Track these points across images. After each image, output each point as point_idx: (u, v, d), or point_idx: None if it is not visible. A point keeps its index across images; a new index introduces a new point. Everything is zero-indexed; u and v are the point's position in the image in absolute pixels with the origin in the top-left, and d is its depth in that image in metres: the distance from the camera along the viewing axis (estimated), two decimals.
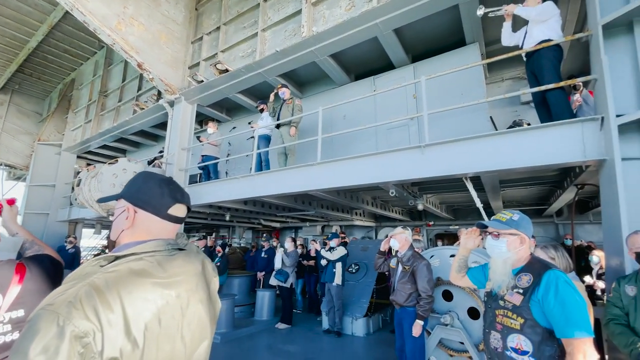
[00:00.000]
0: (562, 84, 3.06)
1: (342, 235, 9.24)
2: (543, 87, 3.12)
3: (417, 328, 2.93)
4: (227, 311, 5.35)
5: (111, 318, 0.67)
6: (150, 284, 0.77)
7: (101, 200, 0.97)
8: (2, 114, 11.73)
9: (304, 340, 5.18)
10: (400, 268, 3.22)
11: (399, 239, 3.24)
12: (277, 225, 10.67)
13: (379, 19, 4.38)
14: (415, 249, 4.43)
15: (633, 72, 2.75)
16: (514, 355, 1.41)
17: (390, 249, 3.56)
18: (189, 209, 1.02)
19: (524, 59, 3.54)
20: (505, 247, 1.51)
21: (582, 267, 5.89)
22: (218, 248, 6.88)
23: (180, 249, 0.93)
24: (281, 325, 5.79)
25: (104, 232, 12.28)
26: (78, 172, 7.44)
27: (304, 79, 6.70)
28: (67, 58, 10.67)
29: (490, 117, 5.32)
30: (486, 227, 1.57)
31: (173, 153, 6.51)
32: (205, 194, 5.86)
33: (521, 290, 1.42)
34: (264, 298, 6.24)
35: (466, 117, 4.68)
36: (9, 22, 8.63)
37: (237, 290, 7.18)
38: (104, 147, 10.81)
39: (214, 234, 13.29)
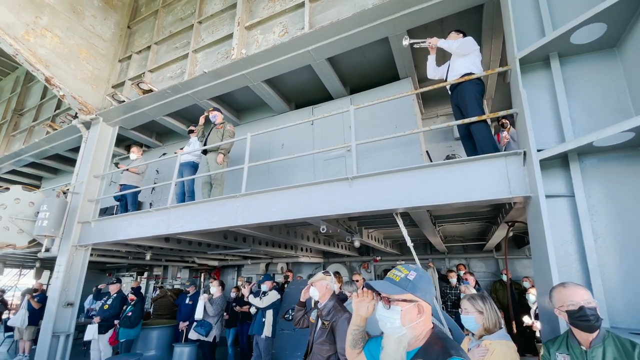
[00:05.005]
0: (484, 116, 2.95)
1: (288, 273, 8.53)
2: (467, 120, 2.98)
3: None
4: None
5: None
6: None
7: None
8: None
9: None
10: (319, 324, 2.68)
11: (319, 287, 2.73)
12: (216, 263, 9.65)
13: (311, 46, 4.20)
14: (348, 294, 3.96)
15: (552, 106, 2.69)
16: None
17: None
18: None
19: (449, 92, 3.46)
20: (399, 319, 1.08)
21: (519, 303, 5.78)
22: (131, 296, 5.80)
23: None
24: None
25: (8, 271, 10.33)
26: None
27: (242, 106, 6.32)
28: None
29: (427, 152, 5.27)
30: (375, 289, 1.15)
31: (82, 181, 5.59)
32: (113, 230, 4.97)
33: None
34: (182, 355, 5.24)
35: (400, 150, 4.53)
36: None
37: (155, 344, 6.06)
38: (17, 173, 9.33)
39: (145, 274, 11.78)
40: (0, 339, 7.86)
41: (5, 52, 7.44)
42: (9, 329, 7.53)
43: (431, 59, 3.56)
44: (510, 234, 5.84)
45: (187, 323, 5.99)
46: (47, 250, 5.26)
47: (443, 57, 4.05)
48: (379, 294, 1.16)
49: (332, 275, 2.86)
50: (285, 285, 6.83)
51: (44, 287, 7.52)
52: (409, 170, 3.07)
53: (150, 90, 5.33)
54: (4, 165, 8.29)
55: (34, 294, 6.81)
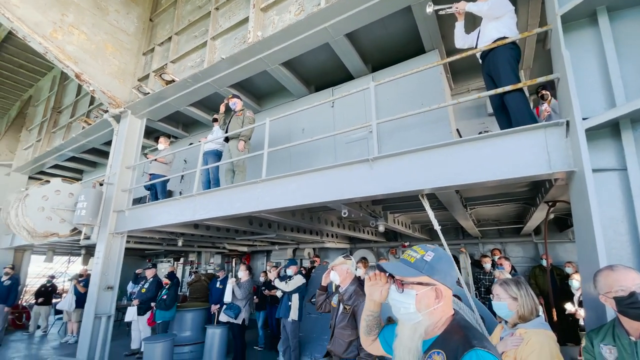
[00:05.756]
0: (520, 84, 2.65)
1: (315, 259, 8.57)
2: (500, 90, 2.70)
3: None
4: (164, 355, 4.57)
5: None
6: None
7: None
8: None
9: None
10: (341, 308, 2.62)
11: (340, 271, 2.66)
12: (245, 249, 9.91)
13: (327, 22, 4.00)
14: None
15: (600, 68, 2.36)
16: None
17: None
18: None
19: (480, 61, 3.15)
20: (414, 304, 0.96)
21: (561, 290, 5.38)
22: (165, 280, 6.08)
23: None
24: None
25: (57, 259, 11.26)
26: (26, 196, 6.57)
27: (262, 92, 6.27)
28: (23, 73, 10.06)
29: (457, 130, 4.95)
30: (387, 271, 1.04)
31: (115, 172, 5.85)
32: (145, 218, 5.19)
33: None
34: (214, 336, 5.44)
35: (427, 129, 4.26)
36: None
37: (190, 326, 6.36)
38: (60, 167, 10.03)
39: (181, 259, 12.38)
40: (51, 321, 8.65)
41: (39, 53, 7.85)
42: (58, 312, 8.26)
43: (459, 26, 3.25)
44: (551, 215, 5.42)
45: (218, 306, 6.20)
46: (87, 237, 5.60)
47: (473, 23, 3.71)
48: (393, 277, 1.05)
49: (352, 259, 2.76)
50: (312, 270, 6.87)
51: (89, 272, 8.10)
52: (435, 147, 2.86)
53: (173, 81, 5.40)
54: (47, 160, 8.91)
55: (80, 279, 7.37)
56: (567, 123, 2.31)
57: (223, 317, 5.18)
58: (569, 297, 4.75)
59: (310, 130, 5.48)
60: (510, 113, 2.78)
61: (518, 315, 1.87)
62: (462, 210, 4.79)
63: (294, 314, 4.64)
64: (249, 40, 4.52)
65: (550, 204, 3.64)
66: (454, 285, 1.03)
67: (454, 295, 2.97)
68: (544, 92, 4.49)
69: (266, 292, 6.49)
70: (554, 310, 4.23)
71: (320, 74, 5.49)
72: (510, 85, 2.68)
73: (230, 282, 5.24)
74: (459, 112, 5.38)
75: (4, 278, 7.35)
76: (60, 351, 6.47)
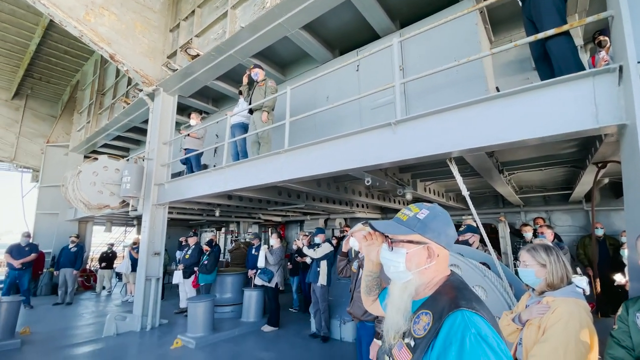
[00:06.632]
0: (565, 27, 2.29)
1: (346, 228, 8.67)
2: (541, 35, 2.36)
3: (374, 349, 2.35)
4: (206, 313, 4.99)
5: None
6: None
7: None
8: (18, 118, 12.09)
9: (286, 346, 4.73)
10: (360, 273, 2.62)
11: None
12: (279, 219, 10.25)
13: None
14: None
15: None
16: None
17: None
18: None
19: (519, 3, 2.76)
20: (403, 263, 0.91)
21: (613, 260, 4.94)
22: (205, 247, 6.54)
23: None
24: (267, 328, 5.37)
25: (115, 229, 12.50)
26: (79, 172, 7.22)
27: (285, 60, 6.12)
28: (68, 59, 10.71)
29: (497, 88, 4.50)
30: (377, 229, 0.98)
31: (153, 148, 6.21)
32: (183, 190, 5.51)
33: (413, 343, 0.83)
34: (250, 298, 5.85)
35: (460, 89, 3.91)
36: (8, 27, 8.66)
37: (230, 288, 6.86)
38: (109, 146, 10.88)
39: (223, 229, 13.18)
40: (114, 283, 9.88)
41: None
42: (119, 274, 9.37)
43: None
44: (605, 180, 4.89)
45: (254, 271, 6.57)
46: (134, 209, 6.11)
47: None
48: (387, 236, 1.00)
49: None
50: (342, 240, 6.97)
51: None
52: (462, 107, 2.63)
53: (198, 55, 5.45)
54: (97, 140, 9.67)
55: (134, 246, 8.17)
56: (620, 68, 1.98)
57: (258, 281, 5.50)
58: (622, 268, 4.37)
59: (335, 99, 5.30)
60: (553, 61, 2.44)
61: (546, 283, 1.73)
62: (498, 176, 4.46)
63: (322, 279, 4.79)
64: (267, 4, 4.36)
65: (599, 165, 3.25)
66: (451, 245, 0.95)
67: (482, 263, 2.84)
68: (601, 38, 3.88)
69: (298, 258, 6.74)
70: (597, 281, 3.91)
71: (344, 35, 5.21)
72: (554, 29, 2.32)
73: (263, 249, 5.50)
74: (500, 68, 4.86)
75: (70, 245, 8.35)
76: (121, 308, 7.35)
